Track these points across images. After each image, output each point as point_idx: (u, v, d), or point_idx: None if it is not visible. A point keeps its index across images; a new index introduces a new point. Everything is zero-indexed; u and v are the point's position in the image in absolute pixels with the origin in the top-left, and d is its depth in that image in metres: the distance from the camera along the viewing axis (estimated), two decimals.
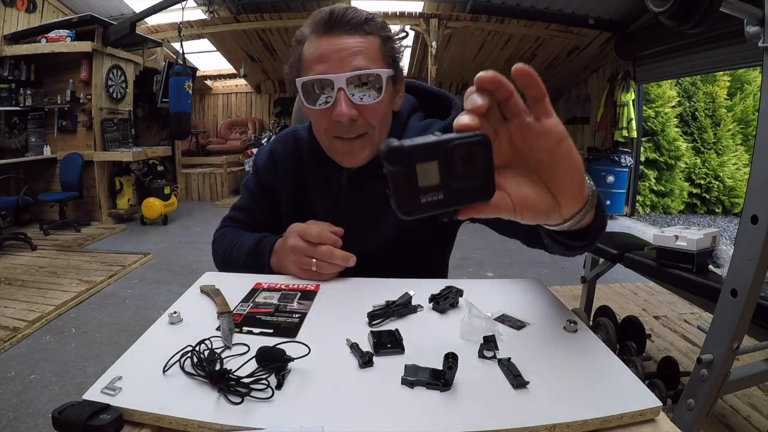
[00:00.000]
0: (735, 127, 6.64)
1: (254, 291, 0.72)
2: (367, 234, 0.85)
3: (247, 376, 0.47)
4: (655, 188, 6.43)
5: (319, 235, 0.76)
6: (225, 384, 0.46)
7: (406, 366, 0.50)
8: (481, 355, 0.53)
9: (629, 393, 0.47)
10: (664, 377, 1.76)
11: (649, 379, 1.76)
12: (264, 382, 0.46)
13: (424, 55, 6.29)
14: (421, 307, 0.66)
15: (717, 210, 6.63)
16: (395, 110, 0.85)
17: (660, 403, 0.46)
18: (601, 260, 2.10)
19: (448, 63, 6.66)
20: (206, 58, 7.68)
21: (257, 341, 0.56)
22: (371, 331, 0.58)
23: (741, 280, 1.22)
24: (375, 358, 0.53)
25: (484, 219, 0.46)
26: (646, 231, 5.08)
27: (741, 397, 1.86)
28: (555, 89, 7.61)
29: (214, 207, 6.20)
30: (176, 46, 5.85)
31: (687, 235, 1.65)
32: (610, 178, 5.70)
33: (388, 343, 0.55)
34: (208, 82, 8.57)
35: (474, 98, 0.38)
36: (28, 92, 4.90)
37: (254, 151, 6.59)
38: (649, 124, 6.28)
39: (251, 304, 0.67)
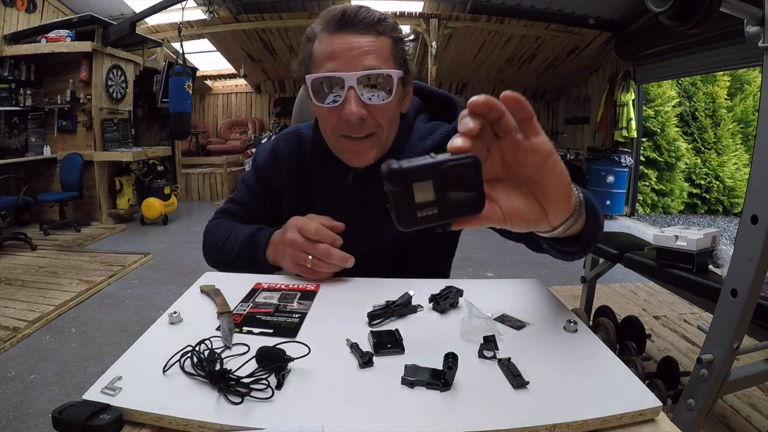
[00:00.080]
0: (735, 127, 6.64)
1: (254, 291, 0.72)
2: (369, 234, 0.85)
3: (247, 376, 0.47)
4: (656, 187, 6.43)
5: (317, 232, 0.75)
6: (225, 384, 0.46)
7: (406, 366, 0.50)
8: (481, 355, 0.53)
9: (629, 393, 0.47)
10: (664, 377, 1.76)
11: (649, 379, 1.76)
12: (264, 382, 0.46)
13: (424, 55, 6.28)
14: (421, 307, 0.66)
15: (717, 209, 6.63)
16: (403, 112, 0.84)
17: (660, 403, 0.46)
18: (601, 260, 2.10)
19: (448, 63, 6.66)
20: (206, 58, 7.68)
21: (257, 341, 0.55)
22: (371, 331, 0.58)
23: (741, 280, 1.22)
24: (375, 358, 0.53)
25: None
26: (646, 231, 5.07)
27: (741, 397, 1.86)
28: (555, 89, 7.61)
29: (214, 207, 6.14)
30: (176, 46, 5.85)
31: (687, 235, 1.65)
32: (610, 178, 5.70)
33: (388, 343, 0.55)
34: (208, 82, 8.57)
35: (467, 121, 0.41)
36: (28, 92, 4.90)
37: (254, 151, 6.57)
38: (648, 124, 6.28)
39: (251, 304, 0.67)
